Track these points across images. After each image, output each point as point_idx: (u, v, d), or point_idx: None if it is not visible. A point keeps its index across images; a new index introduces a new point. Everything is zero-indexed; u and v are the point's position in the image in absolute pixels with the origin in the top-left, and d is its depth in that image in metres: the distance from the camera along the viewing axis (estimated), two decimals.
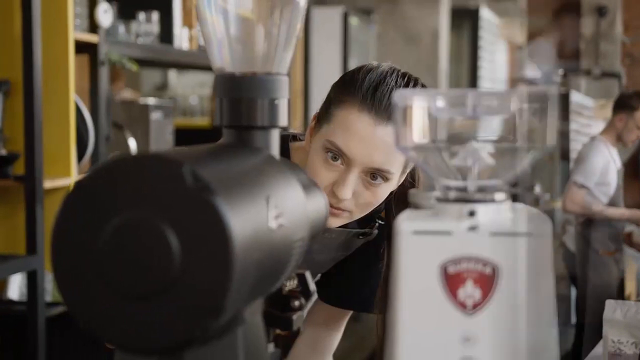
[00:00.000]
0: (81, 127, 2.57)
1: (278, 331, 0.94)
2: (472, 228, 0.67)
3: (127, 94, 4.80)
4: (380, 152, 1.25)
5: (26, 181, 2.35)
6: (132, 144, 2.99)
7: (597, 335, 4.22)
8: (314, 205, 0.83)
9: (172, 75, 6.07)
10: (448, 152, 0.70)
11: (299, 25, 0.82)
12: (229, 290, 0.60)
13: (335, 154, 1.26)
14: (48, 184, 2.42)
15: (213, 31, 0.79)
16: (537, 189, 4.04)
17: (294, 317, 0.86)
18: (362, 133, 1.24)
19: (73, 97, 2.51)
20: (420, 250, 0.68)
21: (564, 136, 7.09)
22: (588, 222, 4.36)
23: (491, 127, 0.74)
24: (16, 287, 2.74)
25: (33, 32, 2.34)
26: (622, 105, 4.35)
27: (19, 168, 2.39)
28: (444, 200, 0.70)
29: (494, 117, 0.70)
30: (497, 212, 0.69)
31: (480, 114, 0.68)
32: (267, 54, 0.80)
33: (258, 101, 0.77)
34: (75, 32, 2.57)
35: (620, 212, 4.36)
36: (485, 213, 0.68)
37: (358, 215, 1.32)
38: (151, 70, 5.51)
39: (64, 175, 2.50)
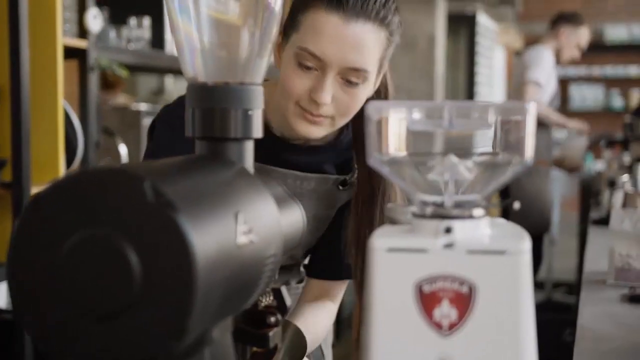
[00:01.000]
0: (70, 133, 2.55)
1: (255, 349, 0.91)
2: (448, 245, 0.65)
3: (121, 99, 4.77)
4: (353, 50, 1.23)
5: (13, 188, 2.32)
6: (123, 150, 2.96)
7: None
8: (289, 219, 0.80)
9: (169, 80, 6.04)
10: (424, 166, 0.68)
11: (275, 32, 0.80)
12: (191, 311, 0.58)
13: (308, 60, 1.24)
14: (36, 190, 2.39)
15: (185, 39, 0.77)
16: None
17: (271, 333, 0.84)
18: (333, 33, 1.22)
19: (62, 102, 2.48)
20: (394, 268, 0.65)
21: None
22: None
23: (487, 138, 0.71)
24: (4, 295, 2.71)
25: (20, 37, 2.32)
26: (568, 19, 4.38)
27: (6, 175, 2.36)
28: (421, 216, 0.68)
29: (473, 130, 0.67)
30: (475, 229, 0.66)
31: (457, 126, 0.66)
32: (241, 63, 0.77)
33: (231, 112, 0.75)
34: (65, 38, 2.54)
35: (563, 119, 4.42)
36: (463, 229, 0.66)
37: (340, 122, 1.29)
38: (147, 75, 5.48)
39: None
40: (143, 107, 3.18)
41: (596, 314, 1.57)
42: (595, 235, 2.70)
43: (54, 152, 2.45)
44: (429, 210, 0.68)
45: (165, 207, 0.57)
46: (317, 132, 1.29)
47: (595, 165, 6.46)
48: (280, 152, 1.39)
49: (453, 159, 0.67)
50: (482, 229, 0.67)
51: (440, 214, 0.67)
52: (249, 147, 0.77)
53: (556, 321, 4.15)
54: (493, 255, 0.64)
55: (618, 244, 1.88)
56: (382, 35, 1.25)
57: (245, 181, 0.72)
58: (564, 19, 4.45)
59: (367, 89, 1.28)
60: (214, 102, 0.75)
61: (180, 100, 1.38)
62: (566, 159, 4.77)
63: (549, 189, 4.38)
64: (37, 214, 0.60)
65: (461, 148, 0.68)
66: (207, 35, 0.76)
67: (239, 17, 0.78)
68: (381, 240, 0.66)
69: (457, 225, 0.66)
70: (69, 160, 2.55)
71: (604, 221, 2.81)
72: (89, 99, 2.64)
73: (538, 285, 5.52)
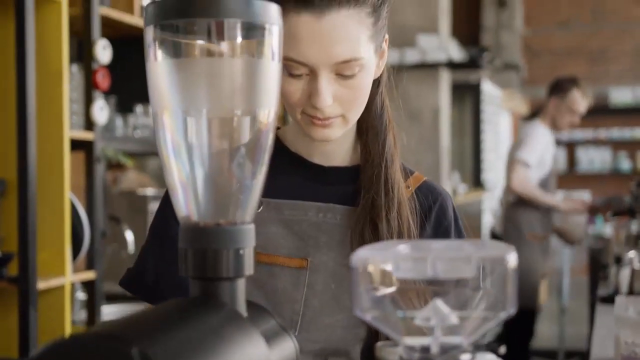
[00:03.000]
0: (76, 224, 2.57)
1: None
2: None
3: (132, 176, 4.81)
4: (335, 43, 1.14)
5: (20, 283, 2.33)
6: (130, 236, 2.98)
7: (515, 321, 4.16)
8: (280, 354, 0.81)
9: None
10: (410, 312, 0.69)
11: (265, 168, 0.81)
12: None
13: (295, 68, 1.16)
14: (42, 284, 2.40)
15: (178, 180, 0.78)
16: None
17: None
18: (308, 33, 1.14)
19: (68, 195, 2.51)
20: None
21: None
22: (517, 203, 4.35)
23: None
24: None
25: (28, 131, 2.36)
26: (555, 89, 4.45)
27: (12, 269, 2.38)
28: None
29: (456, 277, 0.69)
30: None
31: (441, 275, 0.67)
32: (233, 202, 0.79)
33: (223, 252, 0.77)
34: (72, 131, 2.58)
35: (555, 201, 4.37)
36: None
37: (352, 116, 1.21)
38: (156, 154, 5.54)
39: (59, 274, 2.48)
40: (150, 192, 3.21)
41: None
42: (602, 315, 2.68)
43: (60, 244, 2.48)
44: (415, 356, 0.68)
45: None
46: (333, 133, 1.21)
47: (605, 229, 6.43)
48: (303, 178, 1.29)
49: (439, 304, 0.69)
50: None
51: (427, 359, 0.68)
52: (241, 285, 0.78)
53: None
54: None
55: (623, 332, 1.87)
56: (363, 14, 1.17)
57: (235, 326, 0.73)
58: (551, 89, 4.52)
59: (368, 74, 1.21)
60: (206, 243, 0.77)
61: None
62: (566, 232, 4.77)
63: (540, 263, 4.36)
64: None
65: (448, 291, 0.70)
66: (200, 177, 0.78)
67: (231, 155, 0.80)
68: None
69: None
70: (75, 252, 2.58)
71: (612, 299, 2.79)
72: (96, 189, 2.68)
73: (550, 355, 5.46)
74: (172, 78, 0.78)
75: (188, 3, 0.76)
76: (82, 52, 2.79)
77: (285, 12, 1.15)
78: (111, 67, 2.80)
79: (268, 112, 0.80)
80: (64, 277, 2.47)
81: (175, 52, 0.77)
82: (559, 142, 10.06)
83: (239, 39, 0.76)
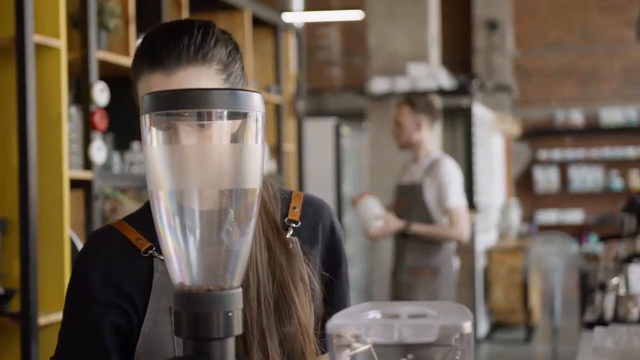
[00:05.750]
0: None
1: None
2: None
3: (130, 207, 4.88)
4: None
5: (22, 319, 2.41)
6: None
7: None
8: None
9: None
10: None
11: (251, 237, 0.90)
12: None
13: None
14: (43, 319, 2.49)
15: (173, 251, 0.88)
16: None
17: None
18: (160, 90, 1.18)
19: (68, 232, 2.60)
20: None
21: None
22: None
23: None
24: None
25: (29, 172, 2.45)
26: None
27: (14, 305, 2.46)
28: None
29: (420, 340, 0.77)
30: None
31: (406, 339, 0.76)
32: (221, 271, 0.88)
33: (214, 315, 0.86)
34: (71, 170, 2.67)
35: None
36: None
37: None
38: None
39: (60, 309, 2.56)
40: None
41: None
42: (586, 341, 2.74)
43: (60, 280, 2.56)
44: None
45: None
46: None
47: (598, 247, 6.49)
48: None
49: None
50: None
51: None
52: (231, 344, 0.87)
53: None
54: None
55: None
56: (212, 71, 1.25)
57: None
58: None
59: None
60: (198, 307, 0.86)
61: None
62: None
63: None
64: None
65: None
66: (193, 249, 0.87)
67: (219, 227, 0.89)
68: None
69: None
70: None
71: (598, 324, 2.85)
72: (94, 226, 2.77)
73: None
74: (166, 161, 0.87)
75: (180, 95, 0.85)
76: (80, 94, 2.89)
77: (141, 74, 1.25)
78: (108, 106, 2.90)
79: (253, 187, 0.89)
80: None
81: (169, 138, 0.87)
82: (550, 162, 10.25)
83: (225, 126, 0.86)
